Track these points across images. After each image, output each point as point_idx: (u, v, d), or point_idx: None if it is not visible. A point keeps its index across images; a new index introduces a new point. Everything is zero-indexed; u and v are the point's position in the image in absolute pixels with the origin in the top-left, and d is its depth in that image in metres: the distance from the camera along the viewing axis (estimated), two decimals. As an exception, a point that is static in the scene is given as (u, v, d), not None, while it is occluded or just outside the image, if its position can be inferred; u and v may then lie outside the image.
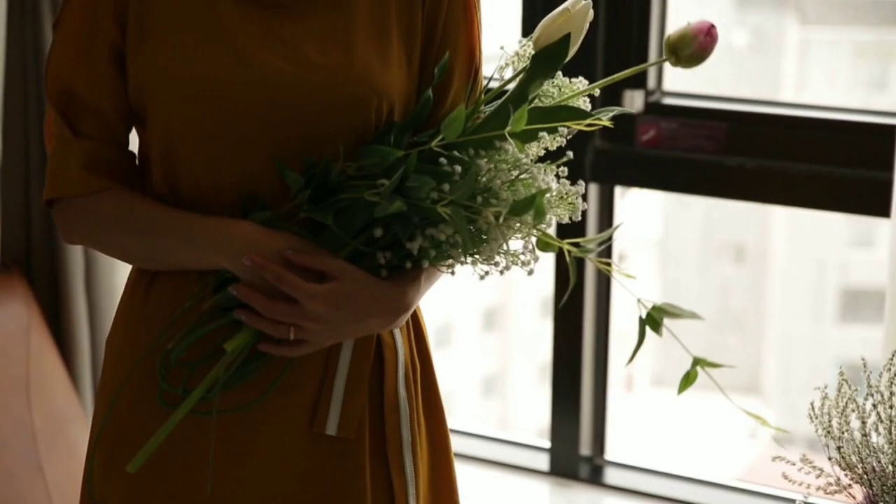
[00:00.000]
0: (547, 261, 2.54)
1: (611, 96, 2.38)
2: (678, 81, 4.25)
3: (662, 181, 2.46)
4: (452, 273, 1.43)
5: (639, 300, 1.44)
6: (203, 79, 1.37)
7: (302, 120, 1.38)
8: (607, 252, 2.52)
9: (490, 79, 1.49)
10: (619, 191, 2.53)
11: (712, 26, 1.43)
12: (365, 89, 1.39)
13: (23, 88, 2.44)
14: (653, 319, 1.44)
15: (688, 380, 1.44)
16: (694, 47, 1.42)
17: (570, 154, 1.41)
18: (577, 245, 1.44)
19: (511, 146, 1.35)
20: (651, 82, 2.42)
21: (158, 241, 1.41)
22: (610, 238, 1.48)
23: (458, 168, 1.34)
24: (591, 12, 1.45)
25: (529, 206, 1.36)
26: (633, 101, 2.39)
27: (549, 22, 1.45)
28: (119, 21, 1.41)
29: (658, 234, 5.31)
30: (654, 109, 2.40)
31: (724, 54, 4.86)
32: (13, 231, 2.49)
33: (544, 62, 1.43)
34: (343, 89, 1.39)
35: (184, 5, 1.39)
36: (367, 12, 1.42)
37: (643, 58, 2.36)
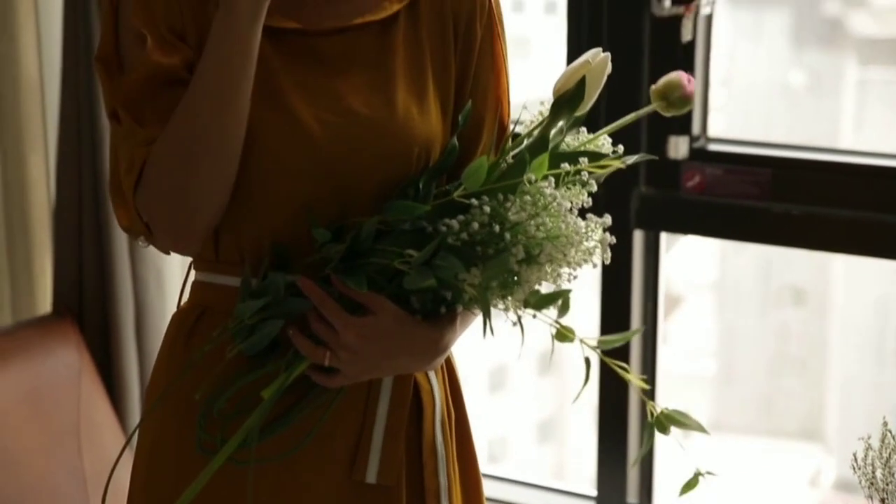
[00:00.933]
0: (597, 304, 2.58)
1: (656, 143, 2.42)
2: (729, 126, 4.26)
3: (708, 227, 2.49)
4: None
5: (651, 411, 1.52)
6: (252, 131, 1.41)
7: (343, 170, 1.43)
8: (653, 299, 2.56)
9: (513, 132, 1.54)
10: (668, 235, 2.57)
11: (690, 76, 1.54)
12: (407, 140, 1.44)
13: (76, 138, 2.53)
14: (661, 423, 1.51)
15: (688, 486, 1.54)
16: (681, 91, 1.52)
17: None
18: (595, 344, 1.51)
19: (533, 178, 1.40)
20: (696, 128, 2.46)
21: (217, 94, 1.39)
22: (628, 340, 1.55)
23: (482, 217, 1.39)
24: (610, 65, 1.51)
25: (555, 300, 1.43)
26: (678, 148, 2.43)
27: (569, 73, 1.50)
28: (173, 43, 1.43)
29: (714, 277, 5.31)
30: (699, 156, 2.44)
31: (779, 94, 4.88)
32: (66, 277, 2.57)
33: (563, 107, 1.49)
34: (387, 140, 1.43)
35: None
36: (405, 63, 1.47)
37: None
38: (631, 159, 1.49)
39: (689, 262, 5.37)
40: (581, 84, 1.48)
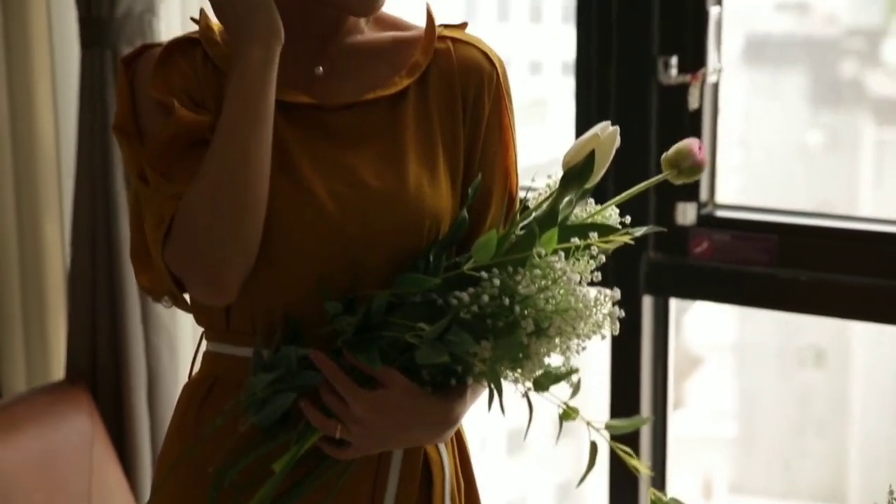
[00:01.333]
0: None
1: (664, 209, 2.46)
2: (745, 186, 4.27)
3: (716, 293, 2.51)
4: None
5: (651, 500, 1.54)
6: (267, 205, 1.44)
7: (355, 242, 1.46)
8: (664, 365, 2.58)
9: (524, 203, 1.57)
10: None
11: (701, 143, 1.56)
12: (418, 212, 1.48)
13: (91, 207, 2.58)
14: None
15: None
16: (692, 160, 1.54)
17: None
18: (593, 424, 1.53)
19: (543, 252, 1.43)
20: (704, 194, 2.49)
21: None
22: (638, 429, 1.58)
23: (492, 290, 1.42)
24: (619, 138, 1.54)
25: (563, 378, 1.46)
26: (686, 214, 2.46)
27: (579, 146, 1.54)
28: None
29: (734, 338, 5.31)
30: (707, 222, 2.47)
31: (797, 154, 4.90)
32: (80, 345, 2.61)
33: (572, 179, 1.52)
34: (399, 213, 1.47)
35: None
36: (416, 136, 1.51)
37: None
38: (639, 231, 1.52)
39: (709, 322, 5.38)
40: (590, 158, 1.52)
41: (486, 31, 3.87)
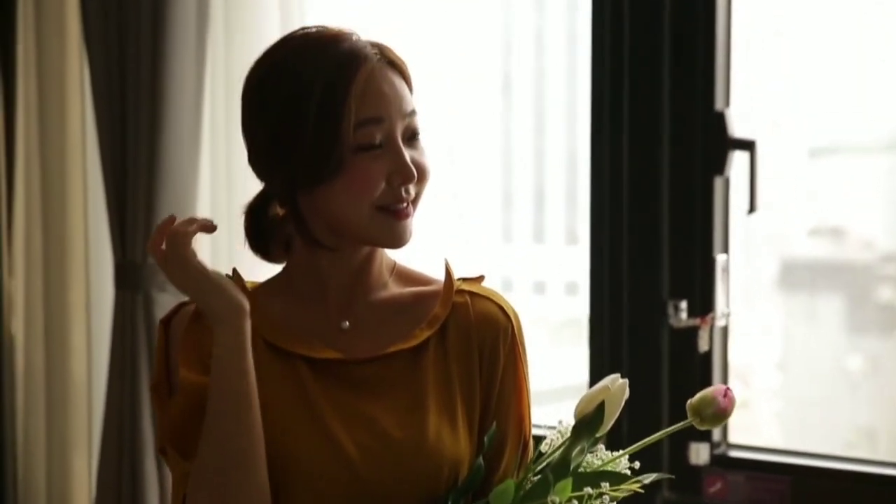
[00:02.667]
0: None
1: (677, 448, 2.55)
2: (786, 408, 4.30)
3: (730, 534, 2.58)
4: None
5: None
6: (295, 457, 1.55)
7: (377, 489, 1.55)
8: None
9: (538, 451, 1.67)
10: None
11: (728, 389, 1.63)
12: (438, 461, 1.57)
13: (118, 443, 2.71)
14: None
15: None
16: (715, 407, 1.62)
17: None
18: None
19: (557, 500, 1.53)
20: (716, 434, 2.58)
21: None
22: None
23: None
24: (628, 390, 1.65)
25: None
26: (699, 454, 2.55)
27: (589, 397, 1.65)
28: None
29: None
30: (720, 462, 2.55)
31: (837, 378, 4.94)
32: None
33: (584, 429, 1.63)
34: (420, 462, 1.57)
35: (271, 387, 1.57)
36: (436, 386, 1.62)
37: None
38: (649, 478, 1.61)
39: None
40: (600, 408, 1.62)
41: (491, 252, 4.00)
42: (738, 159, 2.57)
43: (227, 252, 2.74)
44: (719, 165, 2.54)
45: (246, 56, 2.75)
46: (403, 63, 1.61)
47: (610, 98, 2.58)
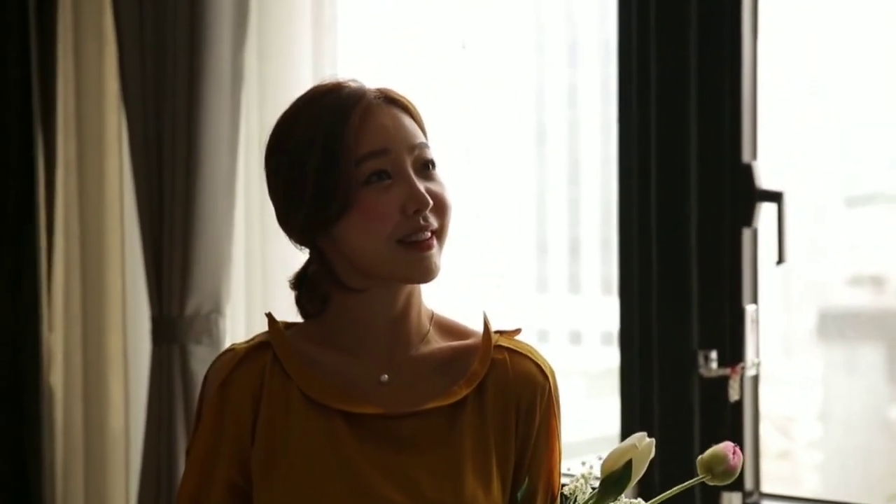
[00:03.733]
0: None
1: (709, 497, 2.59)
2: (827, 461, 4.32)
3: (763, 584, 2.62)
4: None
5: None
6: None
7: None
8: None
9: (561, 493, 1.73)
10: None
11: (736, 446, 1.68)
12: None
13: (156, 493, 2.79)
14: None
15: None
16: (725, 465, 1.68)
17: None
18: None
19: None
20: (749, 483, 2.62)
21: None
22: None
23: None
24: (654, 450, 1.71)
25: None
26: (731, 503, 2.59)
27: (617, 454, 1.70)
28: (239, 459, 1.61)
29: None
30: (753, 512, 2.60)
31: (881, 429, 4.94)
32: None
33: (611, 486, 1.69)
34: None
35: (307, 440, 1.59)
36: (472, 444, 1.64)
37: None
38: None
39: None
40: (628, 466, 1.69)
41: (526, 302, 4.03)
42: (768, 210, 2.62)
43: (262, 300, 2.82)
44: (747, 217, 2.60)
45: (280, 108, 2.84)
46: (407, 100, 1.63)
47: (638, 151, 2.65)
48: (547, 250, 4.46)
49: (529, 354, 1.70)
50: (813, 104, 3.55)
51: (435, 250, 1.59)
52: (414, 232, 1.57)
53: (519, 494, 1.67)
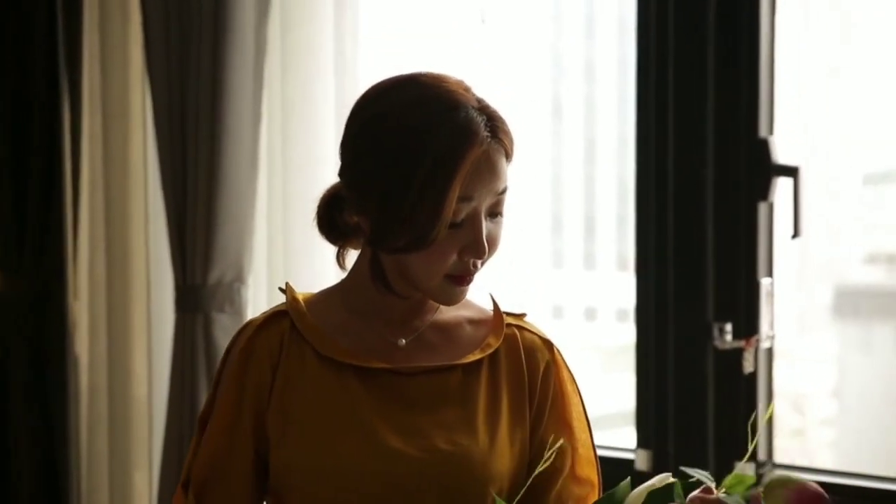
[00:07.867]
0: None
1: (722, 469, 2.67)
2: (841, 438, 4.37)
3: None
4: None
5: None
6: (344, 467, 1.63)
7: (423, 500, 1.66)
8: None
9: None
10: None
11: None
12: (484, 475, 1.68)
13: (178, 458, 2.88)
14: None
15: None
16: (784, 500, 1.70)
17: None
18: None
19: None
20: (762, 454, 2.71)
21: None
22: None
23: None
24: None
25: None
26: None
27: (640, 492, 1.76)
28: (258, 424, 1.68)
29: None
30: (765, 482, 2.68)
31: (894, 406, 5.01)
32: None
33: None
34: (465, 475, 1.67)
35: (322, 400, 1.66)
36: (485, 403, 1.73)
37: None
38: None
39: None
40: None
41: (541, 279, 4.08)
42: (784, 185, 2.70)
43: (284, 270, 2.90)
44: (763, 191, 2.67)
45: (301, 81, 2.92)
46: (510, 136, 1.66)
47: (655, 125, 2.73)
48: (562, 226, 4.53)
49: (535, 331, 1.80)
50: (832, 81, 3.61)
51: (472, 281, 1.68)
52: (463, 273, 1.66)
53: (547, 452, 1.68)
